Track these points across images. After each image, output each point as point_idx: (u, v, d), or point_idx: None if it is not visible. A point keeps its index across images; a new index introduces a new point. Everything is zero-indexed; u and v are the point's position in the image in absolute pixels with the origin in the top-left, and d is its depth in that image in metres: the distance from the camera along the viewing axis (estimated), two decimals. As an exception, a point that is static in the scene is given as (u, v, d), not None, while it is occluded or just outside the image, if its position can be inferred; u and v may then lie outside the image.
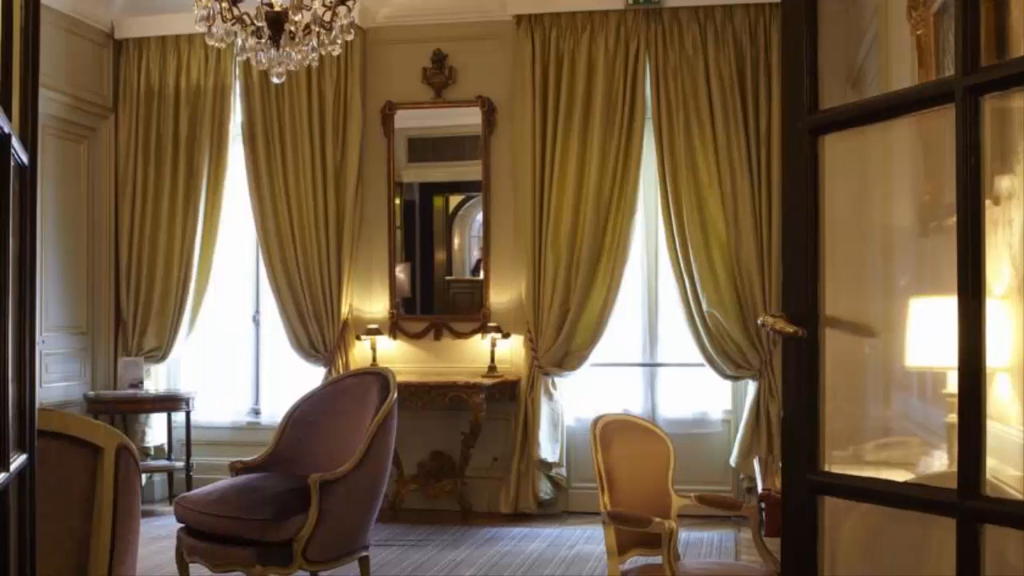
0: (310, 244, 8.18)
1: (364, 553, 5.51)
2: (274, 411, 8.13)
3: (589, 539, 7.07)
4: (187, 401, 8.21)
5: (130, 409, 8.20)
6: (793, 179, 2.48)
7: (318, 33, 5.54)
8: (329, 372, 8.07)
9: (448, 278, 8.60)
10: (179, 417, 8.39)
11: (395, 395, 5.50)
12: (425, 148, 8.74)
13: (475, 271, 8.50)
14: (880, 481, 2.38)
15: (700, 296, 7.63)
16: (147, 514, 7.23)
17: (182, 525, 5.38)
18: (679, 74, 7.68)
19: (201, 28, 5.39)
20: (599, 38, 7.82)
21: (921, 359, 2.62)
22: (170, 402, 8.26)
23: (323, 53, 5.65)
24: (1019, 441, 2.20)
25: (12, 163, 1.99)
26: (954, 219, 2.01)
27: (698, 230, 7.64)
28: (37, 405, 2.31)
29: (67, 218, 8.13)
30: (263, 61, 5.54)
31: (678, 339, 7.94)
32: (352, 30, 5.64)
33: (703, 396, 8.04)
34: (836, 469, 2.43)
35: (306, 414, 5.82)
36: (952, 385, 2.07)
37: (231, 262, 8.61)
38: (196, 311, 8.42)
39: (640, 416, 6.67)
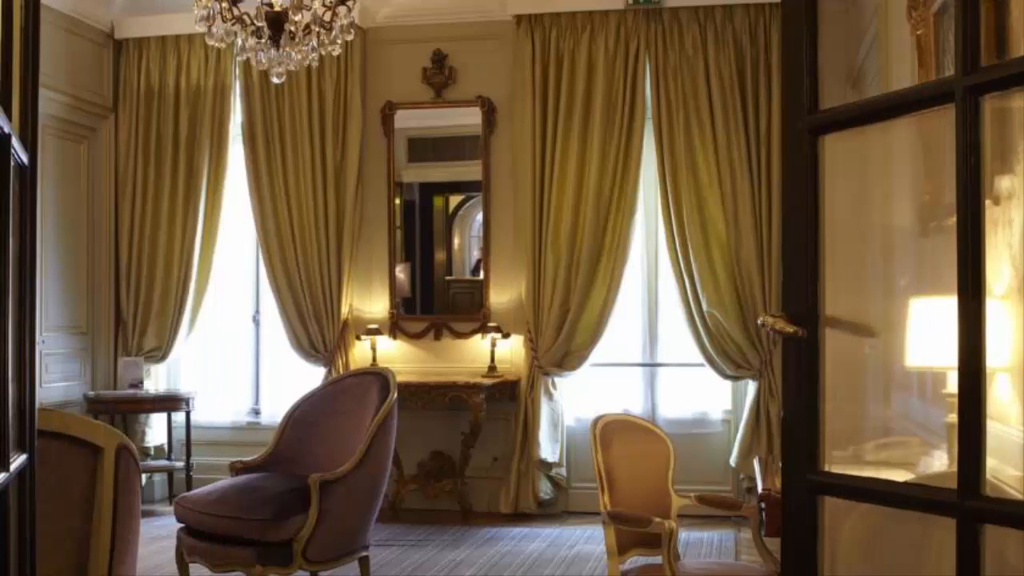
0: (310, 244, 8.18)
1: (364, 553, 5.51)
2: (274, 411, 8.13)
3: (589, 539, 7.07)
4: (187, 401, 8.21)
5: (130, 409, 8.20)
6: (793, 179, 2.48)
7: (318, 33, 5.54)
8: (329, 372, 8.07)
9: (448, 278, 8.60)
10: (179, 417, 8.38)
11: (395, 395, 5.50)
12: (425, 148, 8.74)
13: (475, 271, 8.50)
14: (880, 481, 2.38)
15: (700, 296, 7.63)
16: (147, 514, 7.23)
17: (182, 525, 5.37)
18: (679, 74, 7.68)
19: (201, 28, 5.39)
20: (599, 38, 7.82)
21: (921, 359, 2.62)
22: (170, 402, 8.26)
23: (323, 53, 5.65)
24: (1019, 441, 2.20)
25: (12, 163, 1.99)
26: (954, 219, 2.01)
27: (698, 230, 7.64)
28: (37, 405, 2.31)
29: (67, 218, 8.13)
30: (263, 61, 5.54)
31: (678, 339, 7.93)
32: (352, 30, 5.64)
33: (703, 396, 8.04)
34: (836, 469, 2.43)
35: (306, 414, 5.82)
36: (952, 385, 2.07)
37: (231, 262, 8.61)
38: (196, 311, 8.42)
39: (640, 416, 6.67)
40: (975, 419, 1.98)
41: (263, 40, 5.45)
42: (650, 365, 8.13)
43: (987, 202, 2.02)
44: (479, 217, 8.33)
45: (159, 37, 8.44)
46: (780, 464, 2.81)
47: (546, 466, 7.86)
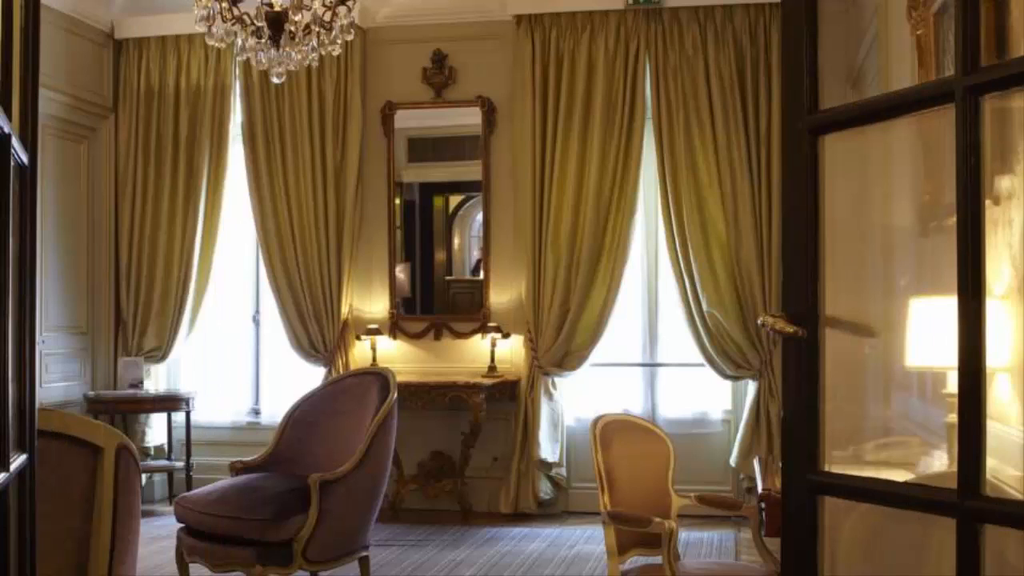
0: (310, 244, 8.18)
1: (364, 553, 5.51)
2: (274, 411, 8.13)
3: (589, 539, 7.07)
4: (187, 401, 8.21)
5: (130, 409, 8.20)
6: (793, 179, 2.48)
7: (318, 33, 5.54)
8: (329, 372, 8.07)
9: (448, 278, 8.60)
10: (179, 417, 8.39)
11: (395, 395, 5.50)
12: (425, 148, 8.74)
13: (475, 271, 8.50)
14: (880, 481, 2.38)
15: (700, 296, 7.63)
16: (147, 514, 7.22)
17: (182, 525, 5.38)
18: (679, 74, 7.68)
19: (201, 28, 5.39)
20: (599, 38, 7.82)
21: (921, 359, 2.62)
22: (170, 402, 8.26)
23: (323, 53, 5.65)
24: (1019, 441, 2.20)
25: (12, 163, 1.99)
26: (954, 219, 2.01)
27: (698, 230, 7.64)
28: (37, 405, 2.31)
29: (67, 218, 8.13)
30: (263, 61, 5.54)
31: (678, 339, 7.93)
32: (352, 30, 5.64)
33: (703, 396, 8.04)
34: (836, 469, 2.43)
35: (306, 414, 5.82)
36: (952, 385, 2.07)
37: (231, 262, 8.61)
38: (196, 311, 8.42)
39: (640, 416, 6.67)
40: (975, 419, 1.98)
41: (263, 40, 5.45)
42: (650, 365, 8.13)
43: (987, 202, 2.02)
44: (479, 217, 8.33)
45: (159, 37, 8.44)
46: (780, 464, 2.81)
47: (546, 466, 7.86)
